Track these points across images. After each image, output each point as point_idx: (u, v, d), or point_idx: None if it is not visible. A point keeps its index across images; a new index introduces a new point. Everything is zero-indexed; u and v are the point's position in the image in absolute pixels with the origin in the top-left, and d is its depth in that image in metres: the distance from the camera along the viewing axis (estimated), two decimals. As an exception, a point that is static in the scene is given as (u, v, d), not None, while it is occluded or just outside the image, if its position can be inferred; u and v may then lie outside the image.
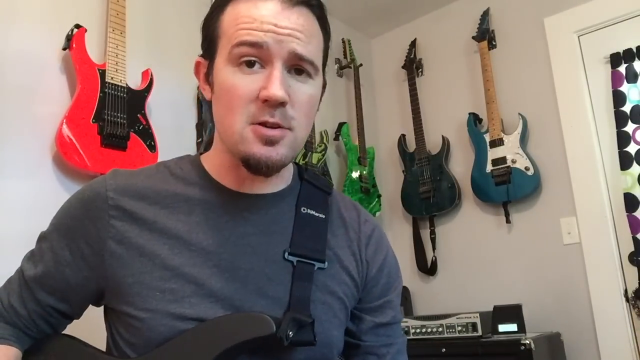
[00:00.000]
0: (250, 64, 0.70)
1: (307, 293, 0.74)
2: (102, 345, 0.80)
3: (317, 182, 0.85)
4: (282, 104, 0.69)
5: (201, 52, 0.79)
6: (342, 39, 2.88)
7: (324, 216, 0.81)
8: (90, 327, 0.86)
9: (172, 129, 1.85)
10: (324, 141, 2.49)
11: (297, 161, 2.27)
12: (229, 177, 0.78)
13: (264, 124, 0.70)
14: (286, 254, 0.76)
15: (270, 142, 0.70)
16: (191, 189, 0.78)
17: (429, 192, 2.61)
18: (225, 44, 0.72)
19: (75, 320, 0.84)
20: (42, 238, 0.79)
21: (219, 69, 0.73)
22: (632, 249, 2.12)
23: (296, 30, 0.71)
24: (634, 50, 2.22)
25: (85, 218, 0.75)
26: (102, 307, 0.81)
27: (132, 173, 0.79)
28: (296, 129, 0.72)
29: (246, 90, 0.70)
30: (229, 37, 0.72)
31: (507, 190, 2.39)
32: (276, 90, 0.68)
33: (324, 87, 0.80)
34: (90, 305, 0.81)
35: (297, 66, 0.72)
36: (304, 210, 0.80)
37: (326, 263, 0.78)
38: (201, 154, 0.84)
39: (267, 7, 0.71)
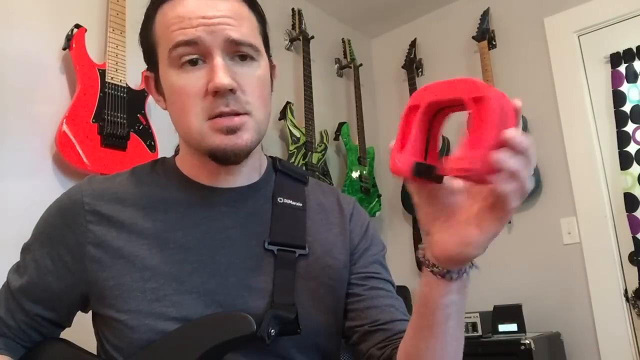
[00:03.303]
0: (193, 62, 0.71)
1: (290, 280, 0.74)
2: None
3: (292, 172, 0.86)
4: (231, 90, 0.70)
5: (146, 67, 0.81)
6: (342, 39, 2.88)
7: (301, 204, 0.82)
8: (85, 333, 0.86)
9: (172, 129, 1.84)
10: (324, 141, 2.49)
11: (296, 161, 2.28)
12: (203, 175, 0.79)
13: (221, 116, 0.70)
14: (266, 244, 0.76)
15: (231, 130, 0.71)
16: (167, 189, 0.78)
17: (429, 192, 2.61)
18: (164, 49, 0.73)
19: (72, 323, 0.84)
20: (25, 249, 0.80)
21: (164, 76, 0.74)
22: (632, 249, 2.12)
23: (225, 16, 0.71)
24: (634, 50, 2.22)
25: (63, 225, 0.75)
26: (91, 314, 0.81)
27: (107, 178, 0.80)
28: (253, 112, 0.72)
29: (195, 89, 0.70)
30: (165, 42, 0.73)
31: (507, 190, 2.38)
32: (222, 78, 0.68)
33: (272, 68, 0.81)
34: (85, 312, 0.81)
35: (237, 52, 0.72)
36: (280, 200, 0.80)
37: (307, 249, 0.78)
38: (175, 155, 0.85)
39: (191, 3, 0.71)
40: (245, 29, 0.73)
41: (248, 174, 0.81)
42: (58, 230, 0.75)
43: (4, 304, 0.78)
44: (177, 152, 0.85)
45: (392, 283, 0.85)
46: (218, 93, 0.69)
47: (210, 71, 0.70)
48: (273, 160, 0.87)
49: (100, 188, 0.77)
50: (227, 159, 0.72)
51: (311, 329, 0.74)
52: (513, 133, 0.49)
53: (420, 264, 0.61)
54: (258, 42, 0.75)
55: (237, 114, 0.71)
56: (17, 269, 0.80)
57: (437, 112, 0.56)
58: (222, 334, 0.67)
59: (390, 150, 0.55)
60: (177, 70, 0.72)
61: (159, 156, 1.68)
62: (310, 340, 0.75)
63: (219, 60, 0.70)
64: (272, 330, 0.68)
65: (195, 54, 0.70)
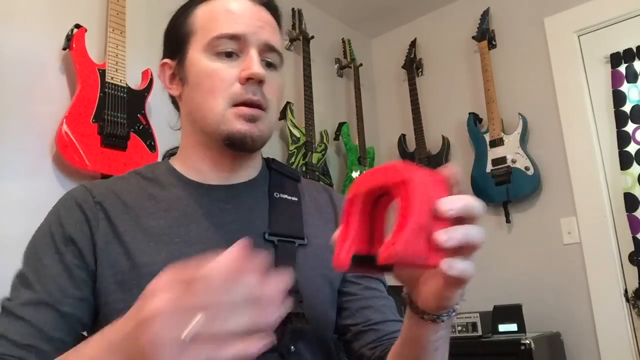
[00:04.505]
0: (229, 54, 0.77)
1: (291, 270, 0.75)
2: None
3: (285, 170, 0.90)
4: (261, 82, 0.76)
5: (163, 58, 0.85)
6: (342, 39, 2.88)
7: (296, 199, 0.85)
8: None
9: (172, 129, 1.84)
10: (324, 141, 2.49)
11: (296, 161, 2.28)
12: (206, 169, 0.81)
13: (247, 102, 0.76)
14: (266, 235, 0.78)
15: (252, 119, 0.76)
16: (166, 189, 0.80)
17: (429, 192, 2.61)
18: (201, 37, 0.78)
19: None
20: (36, 259, 0.72)
21: (194, 60, 0.78)
22: (632, 249, 2.12)
23: (267, 24, 0.80)
24: (634, 50, 2.22)
25: (78, 222, 0.74)
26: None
27: (106, 181, 0.81)
28: (270, 109, 0.79)
29: (227, 74, 0.76)
30: (206, 31, 0.78)
31: (507, 190, 2.39)
32: (258, 68, 0.75)
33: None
34: None
35: (267, 58, 0.79)
36: (276, 194, 0.84)
37: (306, 240, 0.80)
38: (168, 158, 0.87)
39: (239, 4, 0.79)
40: (278, 39, 0.82)
41: (248, 170, 0.84)
42: (73, 227, 0.73)
43: (25, 326, 0.67)
44: (166, 156, 0.89)
45: (384, 283, 0.87)
46: (250, 81, 0.75)
47: (247, 61, 0.76)
48: (266, 160, 0.90)
49: (104, 188, 0.78)
50: (245, 143, 0.76)
51: (312, 318, 0.75)
52: (441, 202, 0.47)
53: (406, 304, 0.61)
54: (282, 55, 0.83)
55: (259, 107, 0.77)
56: (22, 282, 0.71)
57: (378, 200, 0.54)
58: None
59: (335, 242, 0.54)
60: (212, 56, 0.77)
61: (159, 156, 1.69)
62: (312, 330, 0.76)
63: (255, 53, 0.76)
64: (292, 347, 0.70)
65: (234, 48, 0.77)
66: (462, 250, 0.48)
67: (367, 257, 0.52)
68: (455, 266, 0.47)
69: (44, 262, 0.72)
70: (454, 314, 0.58)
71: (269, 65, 0.79)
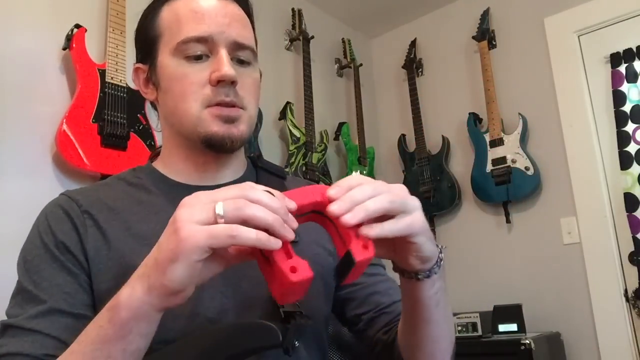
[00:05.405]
0: (198, 57, 0.75)
1: None
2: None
3: (272, 168, 0.89)
4: (233, 82, 0.74)
5: (136, 62, 0.83)
6: (342, 39, 2.88)
7: None
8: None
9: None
10: (324, 141, 2.49)
11: (296, 161, 2.28)
12: (189, 170, 0.80)
13: (221, 104, 0.74)
14: None
15: (230, 120, 0.74)
16: (153, 194, 0.78)
17: (429, 192, 2.61)
18: (168, 40, 0.76)
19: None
20: (34, 272, 0.70)
21: (164, 64, 0.77)
22: (632, 248, 2.12)
23: (234, 20, 0.77)
24: (634, 50, 2.22)
25: (68, 230, 0.72)
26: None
27: (89, 188, 0.79)
28: (248, 107, 0.77)
29: (197, 77, 0.74)
30: (172, 33, 0.76)
31: (507, 190, 2.39)
32: (228, 69, 0.73)
33: (260, 75, 0.85)
34: None
35: (238, 56, 0.77)
36: None
37: (297, 237, 0.79)
38: (151, 161, 0.85)
39: (204, 2, 0.77)
40: (248, 34, 0.78)
41: (233, 169, 0.82)
42: (64, 235, 0.72)
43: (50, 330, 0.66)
44: (151, 157, 0.87)
45: (383, 266, 0.88)
46: (221, 83, 0.73)
47: (216, 63, 0.74)
48: (252, 159, 0.89)
49: (88, 196, 0.76)
50: (223, 145, 0.75)
51: (308, 314, 0.75)
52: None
53: (400, 272, 0.65)
54: (255, 49, 0.80)
55: (235, 106, 0.75)
56: (30, 299, 0.69)
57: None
58: (247, 342, 0.67)
59: (275, 261, 0.58)
60: (181, 59, 0.75)
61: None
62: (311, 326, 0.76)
63: (224, 53, 0.74)
64: (296, 343, 0.68)
65: (203, 51, 0.74)
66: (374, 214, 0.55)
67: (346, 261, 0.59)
68: (370, 231, 0.55)
69: (45, 273, 0.70)
70: (442, 262, 0.63)
71: (241, 62, 0.77)
